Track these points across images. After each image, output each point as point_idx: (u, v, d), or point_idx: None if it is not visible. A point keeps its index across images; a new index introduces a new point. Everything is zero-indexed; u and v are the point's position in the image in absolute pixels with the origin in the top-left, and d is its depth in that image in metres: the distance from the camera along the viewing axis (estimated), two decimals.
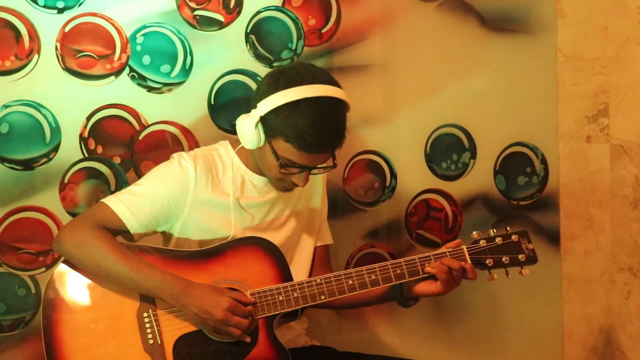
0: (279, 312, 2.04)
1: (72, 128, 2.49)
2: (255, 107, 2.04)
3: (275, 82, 2.02)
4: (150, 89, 2.54)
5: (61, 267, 2.05)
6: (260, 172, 2.18)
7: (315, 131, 1.99)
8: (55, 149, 2.48)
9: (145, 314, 2.03)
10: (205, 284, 2.02)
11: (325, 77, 2.05)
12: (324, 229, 2.37)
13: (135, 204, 2.07)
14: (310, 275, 2.29)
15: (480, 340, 2.89)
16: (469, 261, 2.08)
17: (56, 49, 2.45)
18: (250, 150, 2.14)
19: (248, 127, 2.04)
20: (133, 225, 2.07)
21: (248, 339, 2.02)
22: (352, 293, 2.06)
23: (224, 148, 2.21)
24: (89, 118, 2.49)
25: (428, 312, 2.83)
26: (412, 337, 2.82)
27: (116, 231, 2.07)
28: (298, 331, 2.31)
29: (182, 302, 1.99)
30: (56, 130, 2.47)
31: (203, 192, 2.12)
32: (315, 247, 2.33)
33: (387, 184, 2.78)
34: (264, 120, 2.02)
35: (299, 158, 2.03)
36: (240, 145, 2.12)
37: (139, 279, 1.99)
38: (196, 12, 2.56)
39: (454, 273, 2.05)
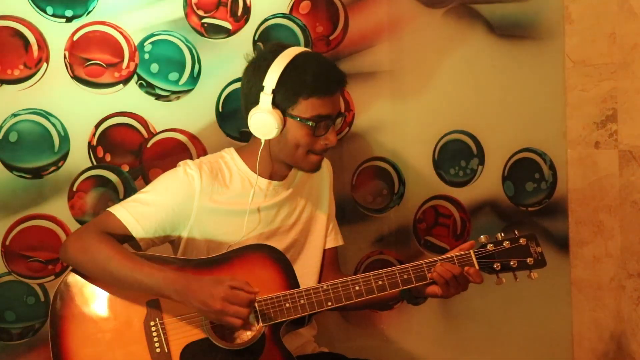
0: (285, 319, 2.04)
1: (80, 136, 2.49)
2: (255, 101, 2.08)
3: (263, 61, 2.12)
4: (158, 97, 2.55)
5: (69, 277, 2.06)
6: (267, 176, 2.19)
7: (326, 71, 2.13)
8: (64, 157, 2.48)
9: (152, 323, 2.03)
10: (207, 277, 2.01)
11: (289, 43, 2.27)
12: (332, 230, 2.37)
13: (140, 212, 2.08)
14: (319, 278, 2.29)
15: (489, 347, 2.88)
16: (476, 266, 2.07)
17: (65, 57, 2.46)
18: (255, 155, 2.15)
19: (265, 113, 2.08)
20: (138, 232, 2.08)
21: (249, 333, 2.02)
22: (359, 299, 2.06)
23: (229, 155, 2.22)
24: (97, 126, 2.50)
25: (437, 317, 2.82)
26: (421, 344, 2.81)
27: (122, 239, 2.08)
28: (307, 338, 2.31)
29: (185, 297, 1.97)
30: (65, 138, 2.48)
31: (209, 199, 2.13)
32: (325, 250, 2.33)
33: (395, 190, 2.78)
34: (275, 98, 2.07)
35: (324, 107, 2.11)
36: (245, 150, 2.14)
37: (142, 278, 1.99)
38: (204, 20, 2.57)
39: (457, 279, 2.05)
